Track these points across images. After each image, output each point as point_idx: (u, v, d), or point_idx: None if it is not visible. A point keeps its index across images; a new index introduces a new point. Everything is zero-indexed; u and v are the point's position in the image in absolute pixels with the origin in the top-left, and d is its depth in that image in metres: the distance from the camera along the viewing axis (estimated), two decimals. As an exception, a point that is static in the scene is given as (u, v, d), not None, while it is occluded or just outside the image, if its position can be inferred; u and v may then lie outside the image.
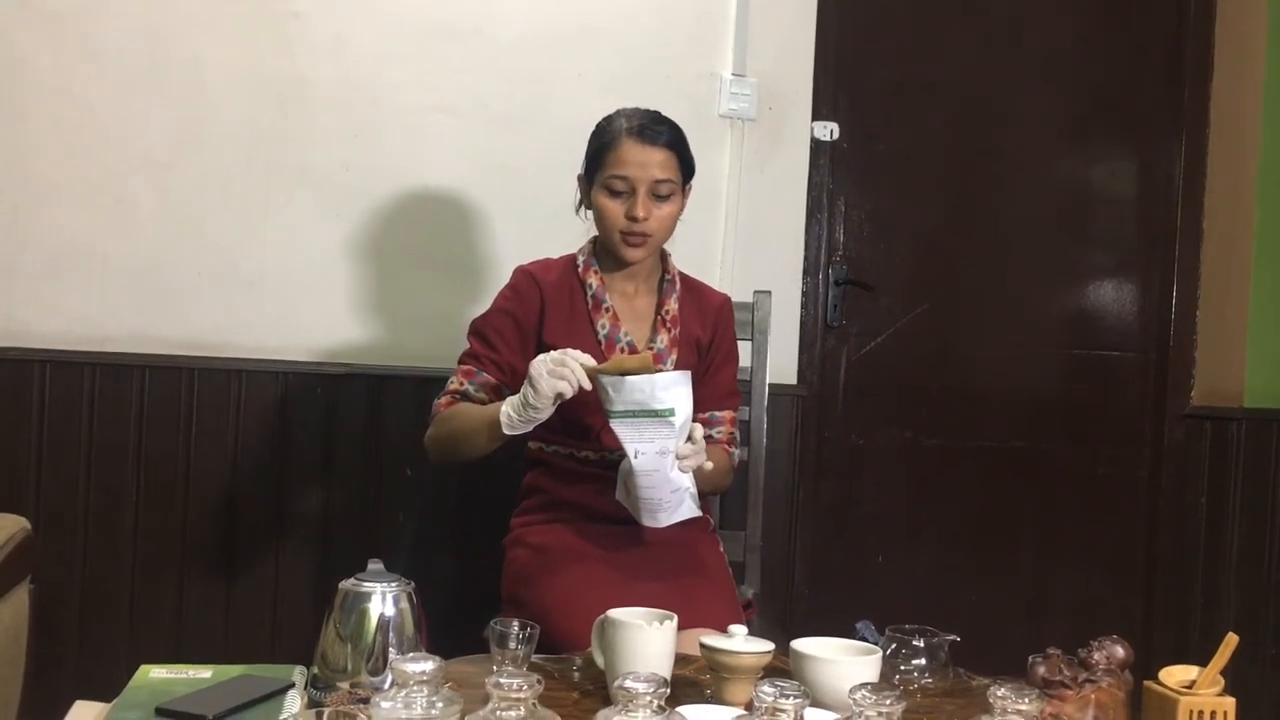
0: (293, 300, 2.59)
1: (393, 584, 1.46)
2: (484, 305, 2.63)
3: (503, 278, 2.60)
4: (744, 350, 2.49)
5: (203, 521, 2.54)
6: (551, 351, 1.79)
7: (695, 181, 2.78)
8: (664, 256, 2.12)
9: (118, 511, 2.49)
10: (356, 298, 2.62)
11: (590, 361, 1.78)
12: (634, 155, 1.96)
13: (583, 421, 1.99)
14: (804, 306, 2.95)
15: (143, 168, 2.51)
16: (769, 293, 2.50)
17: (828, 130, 2.94)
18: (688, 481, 1.86)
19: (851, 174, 3.01)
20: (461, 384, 2.00)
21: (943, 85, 3.11)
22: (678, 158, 2.00)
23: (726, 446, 2.10)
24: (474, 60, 2.67)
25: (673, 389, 1.79)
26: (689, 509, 1.87)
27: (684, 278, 2.16)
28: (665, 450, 1.81)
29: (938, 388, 3.11)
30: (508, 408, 1.81)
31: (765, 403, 2.48)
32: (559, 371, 1.75)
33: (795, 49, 2.90)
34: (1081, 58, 3.19)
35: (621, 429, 1.80)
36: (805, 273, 2.94)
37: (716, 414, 2.11)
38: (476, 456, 1.94)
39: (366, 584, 1.44)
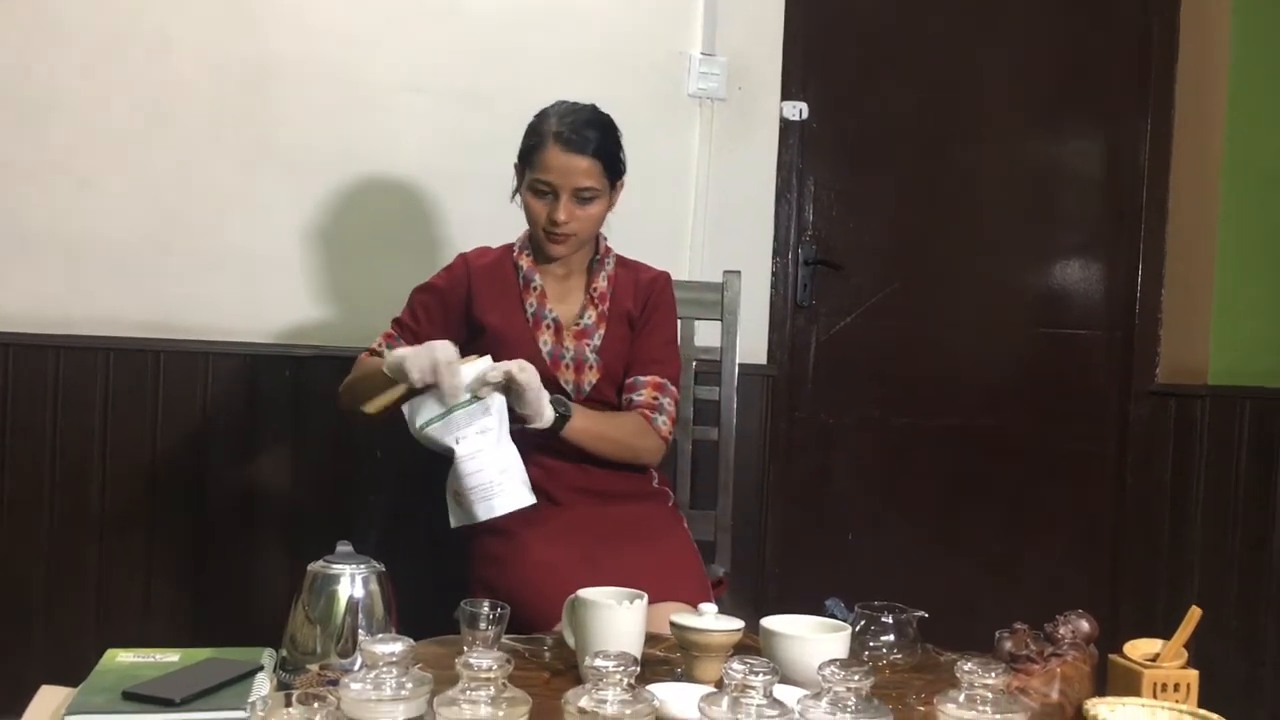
0: (261, 281, 2.56)
1: (362, 566, 1.46)
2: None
3: (472, 258, 2.60)
4: (713, 330, 2.50)
5: (170, 504, 2.52)
6: (446, 355, 1.82)
7: (664, 162, 2.80)
8: (597, 238, 2.15)
9: (84, 495, 2.47)
10: (325, 278, 2.60)
11: (471, 372, 1.84)
12: (557, 162, 2.00)
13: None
14: (774, 286, 2.95)
15: (107, 146, 2.48)
16: (738, 273, 2.50)
17: (797, 110, 2.94)
18: (514, 461, 1.86)
19: (821, 154, 3.01)
20: (379, 345, 2.10)
21: (911, 64, 3.11)
22: (603, 165, 2.02)
23: (645, 412, 2.07)
24: (443, 39, 2.64)
25: (465, 379, 1.82)
26: (523, 495, 1.86)
27: (621, 258, 2.19)
28: (485, 429, 1.83)
29: (907, 367, 3.12)
30: (397, 351, 1.88)
31: (735, 382, 2.48)
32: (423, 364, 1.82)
33: (764, 28, 2.90)
34: (1049, 38, 3.21)
35: (435, 433, 1.83)
36: (775, 253, 2.95)
37: (640, 379, 2.10)
38: (373, 411, 1.94)
39: (335, 566, 1.44)
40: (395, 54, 2.62)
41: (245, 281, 2.55)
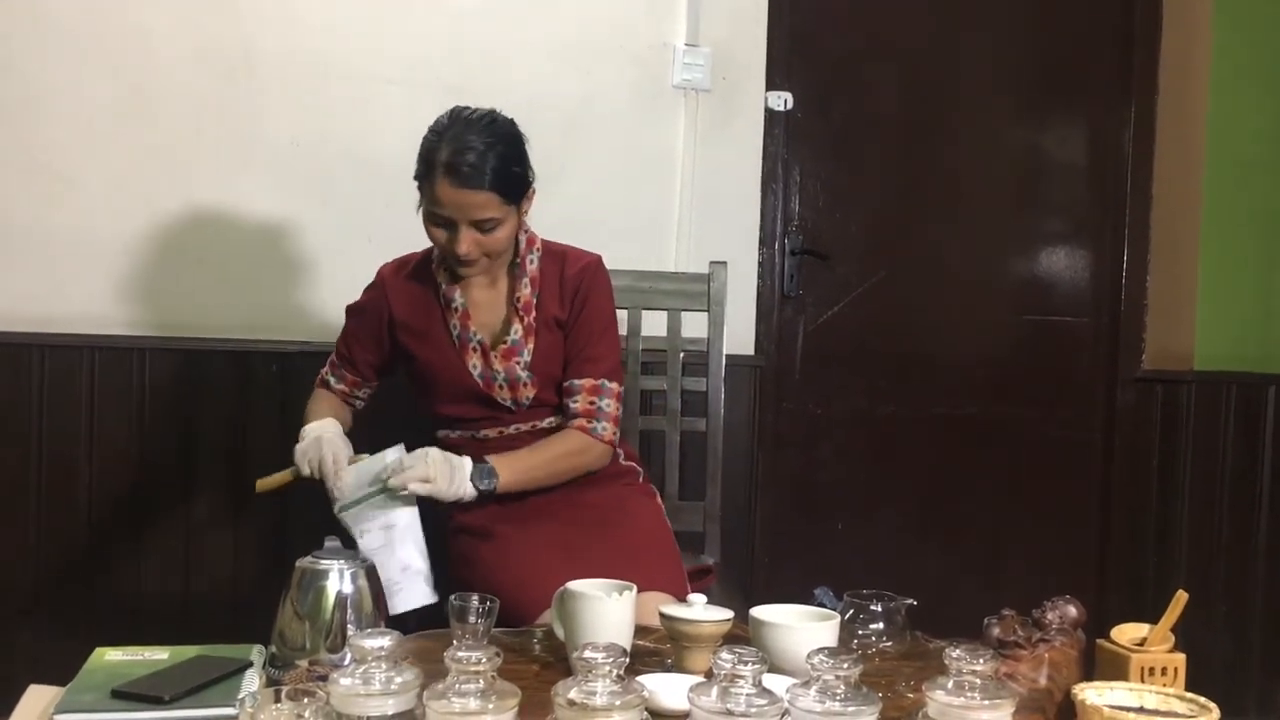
0: (245, 277, 2.55)
1: (350, 561, 1.45)
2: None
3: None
4: (700, 321, 2.50)
5: (158, 502, 2.51)
6: (333, 455, 1.86)
7: (649, 153, 2.80)
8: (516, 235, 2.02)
9: (71, 493, 2.46)
10: (310, 272, 2.59)
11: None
12: (449, 197, 1.85)
13: (463, 404, 2.01)
14: (760, 277, 2.95)
15: (87, 141, 2.46)
16: (725, 263, 2.51)
17: (782, 100, 2.94)
18: (420, 562, 1.84)
19: (806, 143, 3.01)
20: (327, 374, 2.14)
21: (896, 53, 3.11)
22: (499, 195, 1.86)
23: (583, 423, 1.99)
24: (425, 31, 2.63)
25: (371, 472, 1.83)
26: (424, 593, 1.83)
27: (549, 247, 2.06)
28: (390, 524, 1.82)
29: (894, 356, 3.13)
30: (300, 444, 1.92)
31: (723, 373, 2.49)
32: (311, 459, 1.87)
33: (748, 18, 2.89)
34: (1033, 25, 3.21)
35: (348, 519, 1.84)
36: (761, 243, 2.95)
37: (575, 382, 2.00)
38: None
39: (324, 561, 1.44)
40: (377, 46, 2.60)
41: (230, 276, 2.54)
